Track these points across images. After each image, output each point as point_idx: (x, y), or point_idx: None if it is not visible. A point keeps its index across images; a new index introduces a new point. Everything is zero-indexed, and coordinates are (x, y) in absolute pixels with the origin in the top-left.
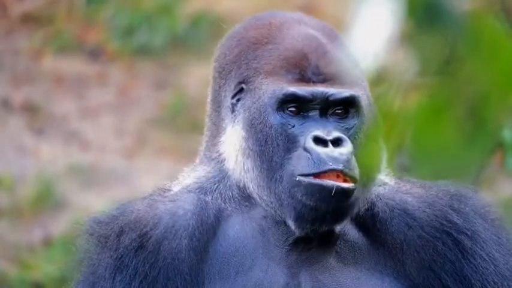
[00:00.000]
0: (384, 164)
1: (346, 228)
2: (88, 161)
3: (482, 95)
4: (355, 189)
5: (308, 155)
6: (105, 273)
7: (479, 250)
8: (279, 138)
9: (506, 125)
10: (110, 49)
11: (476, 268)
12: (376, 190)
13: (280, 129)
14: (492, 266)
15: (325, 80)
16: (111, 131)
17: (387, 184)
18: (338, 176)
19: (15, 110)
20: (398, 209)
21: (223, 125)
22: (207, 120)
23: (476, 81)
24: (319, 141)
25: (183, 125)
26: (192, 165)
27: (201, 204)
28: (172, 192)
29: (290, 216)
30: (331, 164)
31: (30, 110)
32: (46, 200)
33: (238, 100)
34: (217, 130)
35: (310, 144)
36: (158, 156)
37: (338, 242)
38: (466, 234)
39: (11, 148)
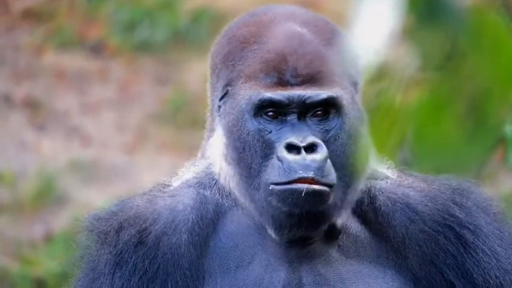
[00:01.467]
0: (371, 161)
1: (349, 221)
2: (89, 157)
3: (483, 91)
4: (329, 192)
5: (280, 163)
6: (105, 269)
7: (481, 244)
8: (257, 145)
9: (507, 120)
10: (111, 45)
11: (478, 262)
12: (379, 184)
13: (258, 136)
14: (494, 260)
15: (303, 82)
16: (112, 126)
17: (389, 178)
18: (311, 183)
19: (17, 105)
20: (400, 203)
21: (214, 125)
22: (208, 114)
23: (477, 77)
24: (292, 148)
25: (184, 121)
26: (194, 159)
27: (200, 199)
28: (171, 188)
29: (268, 223)
30: (301, 172)
31: (32, 106)
32: (47, 196)
33: (225, 103)
34: (212, 130)
35: (283, 153)
36: (159, 152)
37: (340, 236)
38: (468, 228)
39: (12, 144)
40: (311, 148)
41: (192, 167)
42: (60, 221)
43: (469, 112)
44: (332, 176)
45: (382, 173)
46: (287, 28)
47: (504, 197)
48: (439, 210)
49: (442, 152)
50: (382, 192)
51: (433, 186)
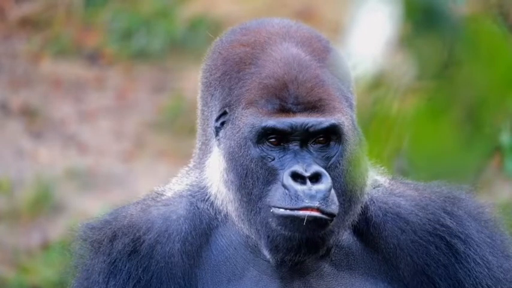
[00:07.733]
0: (369, 184)
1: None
2: (86, 165)
3: (480, 99)
4: (329, 220)
5: (286, 190)
6: (99, 278)
7: (472, 254)
8: (259, 172)
9: (504, 128)
10: (108, 53)
11: (469, 272)
12: (371, 192)
13: (261, 163)
14: (486, 270)
15: (305, 109)
16: (109, 134)
17: (381, 186)
18: (314, 211)
19: (14, 113)
20: (391, 213)
21: (210, 144)
22: (198, 127)
23: (474, 85)
24: (297, 177)
25: (181, 129)
26: (186, 168)
27: (193, 209)
28: (165, 197)
29: (266, 246)
30: (307, 201)
31: (29, 114)
32: (44, 204)
33: (222, 124)
34: (206, 144)
35: (289, 181)
36: (156, 160)
37: (332, 250)
38: (459, 237)
39: (9, 152)
40: (315, 177)
41: (185, 177)
42: (57, 229)
43: (465, 120)
44: (335, 206)
45: (375, 180)
46: (283, 51)
47: (501, 205)
48: (429, 219)
49: (439, 160)
50: (374, 202)
51: (424, 195)
